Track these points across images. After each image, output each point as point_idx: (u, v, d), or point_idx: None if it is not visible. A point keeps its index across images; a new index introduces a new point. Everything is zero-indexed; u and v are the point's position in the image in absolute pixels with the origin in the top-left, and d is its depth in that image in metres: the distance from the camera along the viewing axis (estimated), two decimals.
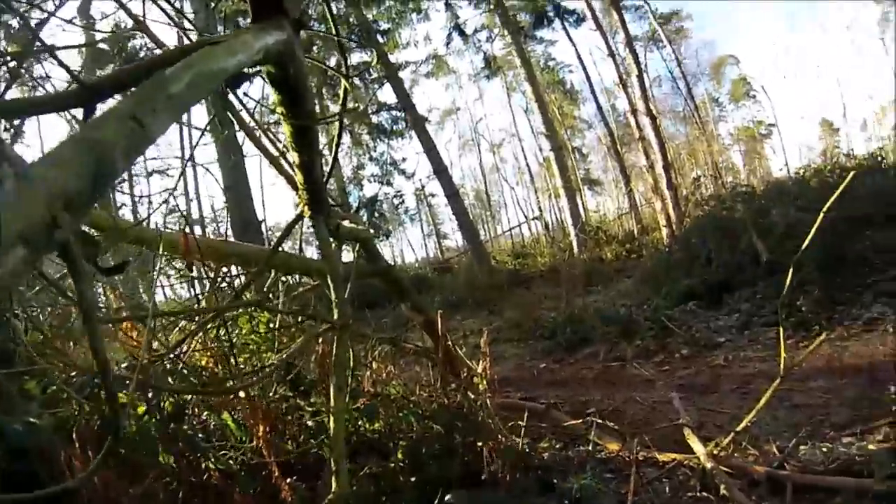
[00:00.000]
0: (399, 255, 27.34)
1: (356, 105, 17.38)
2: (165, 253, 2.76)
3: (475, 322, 9.32)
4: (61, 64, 1.84)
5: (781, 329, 3.38)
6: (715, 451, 2.92)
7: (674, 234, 11.30)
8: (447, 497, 2.57)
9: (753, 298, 6.38)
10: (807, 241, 3.15)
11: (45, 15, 2.51)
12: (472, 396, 3.17)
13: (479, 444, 3.02)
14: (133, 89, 0.95)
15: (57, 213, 0.59)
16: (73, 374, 2.24)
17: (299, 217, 2.48)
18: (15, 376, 2.05)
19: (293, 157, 2.05)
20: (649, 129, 13.62)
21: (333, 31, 2.84)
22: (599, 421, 3.43)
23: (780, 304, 4.54)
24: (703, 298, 7.01)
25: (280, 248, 3.16)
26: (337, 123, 2.66)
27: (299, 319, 3.49)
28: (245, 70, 1.28)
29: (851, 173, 5.39)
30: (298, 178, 2.15)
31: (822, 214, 3.10)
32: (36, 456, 1.85)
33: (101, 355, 0.87)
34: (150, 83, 0.92)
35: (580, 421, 3.63)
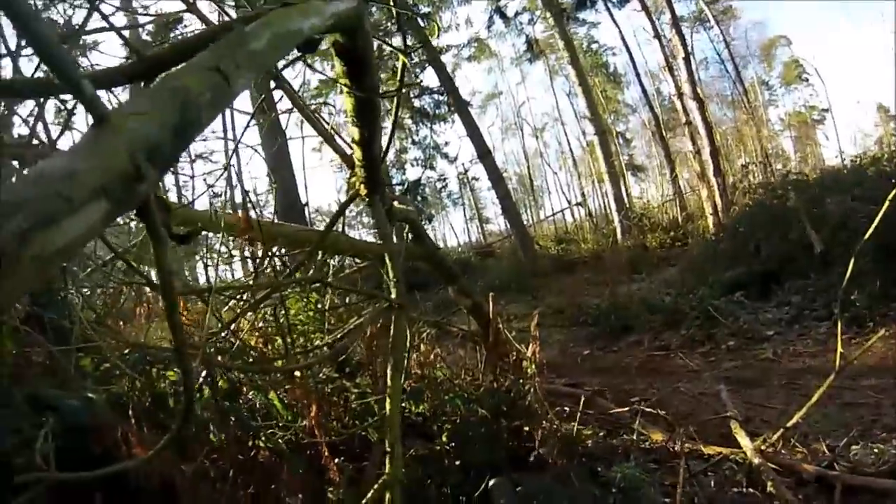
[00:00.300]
0: (442, 239, 27.34)
1: (415, 81, 17.39)
2: (221, 234, 2.86)
3: (518, 307, 9.36)
4: (123, 38, 1.90)
5: (839, 322, 3.27)
6: (762, 447, 2.91)
7: (720, 223, 11.04)
8: (491, 482, 2.58)
9: (805, 291, 6.23)
10: (869, 231, 3.08)
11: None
12: (521, 380, 3.19)
13: (527, 428, 3.07)
14: (216, 42, 0.88)
15: (140, 164, 0.54)
16: (126, 351, 2.27)
17: (355, 195, 2.48)
18: (70, 353, 2.04)
19: (353, 132, 2.03)
20: (696, 113, 13.27)
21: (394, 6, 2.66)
22: (646, 409, 3.45)
23: (839, 297, 4.40)
24: (750, 289, 6.85)
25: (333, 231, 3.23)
26: (395, 101, 2.60)
27: (349, 301, 3.57)
28: (316, 36, 1.25)
29: None
30: (357, 154, 2.14)
31: (888, 202, 3.02)
32: (91, 432, 1.85)
33: (178, 331, 0.83)
34: (231, 38, 0.87)
35: (626, 409, 3.65)
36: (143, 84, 1.09)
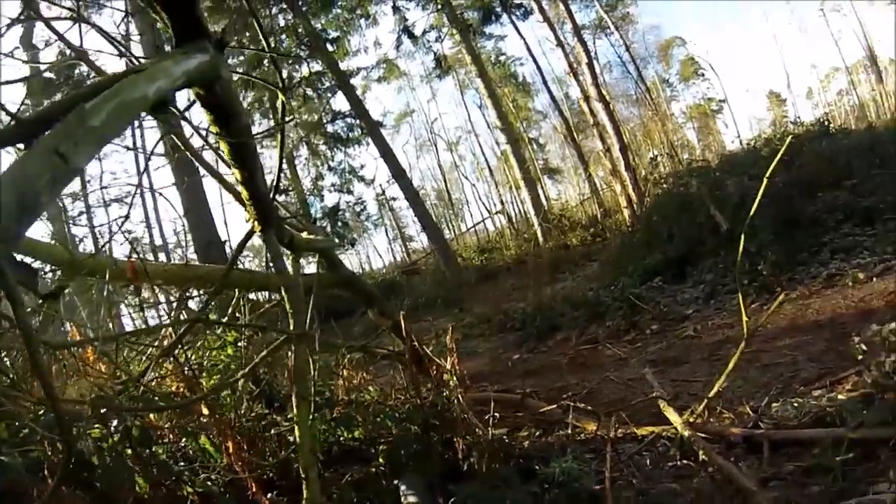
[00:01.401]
0: (366, 262, 27.08)
1: (307, 110, 17.18)
2: (114, 281, 2.67)
3: (446, 321, 9.24)
4: None
5: (741, 294, 3.47)
6: (691, 420, 2.93)
7: (635, 215, 11.44)
8: (397, 480, 2.62)
9: (716, 268, 6.46)
10: (754, 208, 3.23)
11: None
12: (445, 393, 3.13)
13: (456, 439, 2.97)
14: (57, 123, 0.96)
15: None
16: (41, 412, 2.18)
17: (251, 233, 2.44)
18: None
19: (235, 173, 2.05)
20: (603, 114, 13.78)
21: (266, 48, 2.93)
22: (575, 404, 3.40)
23: (737, 271, 4.60)
24: (667, 274, 7.08)
25: (238, 267, 3.09)
26: (279, 137, 2.71)
27: (258, 334, 3.43)
28: (166, 97, 1.27)
29: (789, 138, 5.56)
30: (244, 193, 2.16)
31: (765, 180, 3.18)
32: (6, 495, 1.84)
33: (45, 380, 0.97)
34: (71, 117, 0.94)
35: (556, 406, 3.58)
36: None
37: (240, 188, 2.15)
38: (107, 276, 2.42)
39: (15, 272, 0.91)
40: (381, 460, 2.84)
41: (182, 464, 2.57)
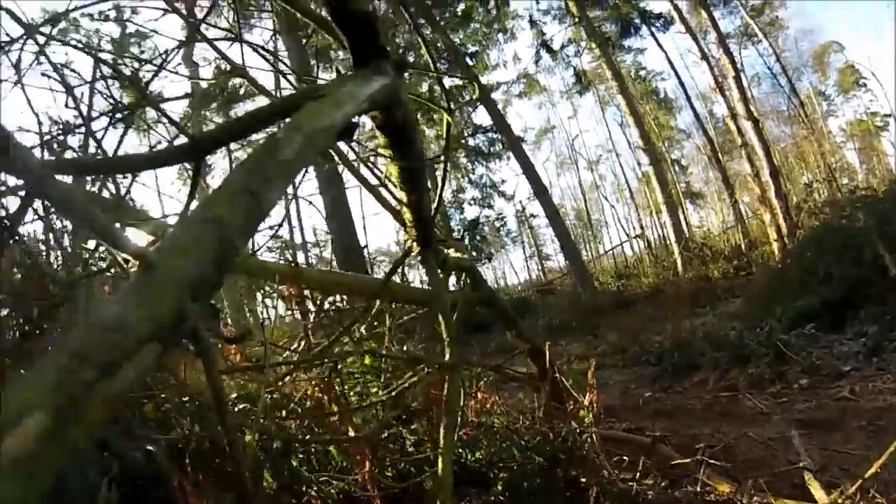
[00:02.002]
0: (501, 278, 27.40)
1: (459, 137, 17.72)
2: (271, 283, 2.97)
3: (578, 346, 9.20)
4: (171, 121, 2.08)
5: None
6: (839, 500, 2.75)
7: (786, 248, 10.55)
8: None
9: (882, 319, 5.80)
10: None
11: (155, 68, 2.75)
12: (578, 429, 3.13)
13: (583, 480, 3.00)
14: (245, 156, 0.92)
15: (185, 307, 0.58)
16: (186, 398, 2.31)
17: (408, 252, 2.52)
18: (134, 401, 2.08)
19: (401, 195, 2.07)
20: (752, 133, 12.91)
21: (432, 67, 2.73)
22: (709, 459, 3.31)
23: None
24: (822, 320, 6.45)
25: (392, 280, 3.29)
26: (443, 164, 2.66)
27: (406, 348, 3.61)
28: (352, 123, 1.23)
29: None
30: (406, 216, 2.19)
31: None
32: (153, 481, 1.89)
33: (225, 419, 0.88)
34: (261, 150, 0.89)
35: (688, 459, 3.50)
36: (193, 164, 1.13)
37: (403, 210, 2.19)
38: (272, 277, 2.65)
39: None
40: (499, 487, 2.78)
41: (308, 463, 2.59)
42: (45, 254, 2.18)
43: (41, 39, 2.11)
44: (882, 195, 9.03)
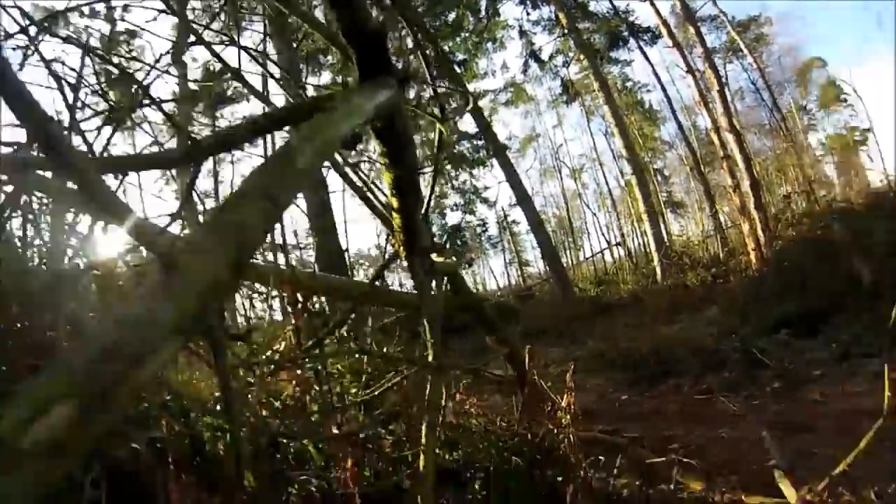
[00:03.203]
0: (481, 283, 27.45)
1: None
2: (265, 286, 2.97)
3: (557, 350, 9.26)
4: (172, 122, 2.08)
5: (886, 361, 3.19)
6: (808, 497, 2.81)
7: (763, 258, 10.74)
8: None
9: (853, 327, 5.98)
10: None
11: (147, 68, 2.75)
12: (555, 430, 3.15)
13: (560, 479, 3.04)
14: (262, 163, 0.95)
15: (207, 304, 0.62)
16: (168, 396, 2.29)
17: (395, 256, 2.54)
18: None
19: (392, 201, 2.08)
20: (733, 145, 13.12)
21: (430, 80, 2.85)
22: (682, 459, 3.37)
23: (889, 332, 4.24)
24: (796, 327, 6.62)
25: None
26: (433, 174, 2.77)
27: (387, 350, 3.61)
28: (358, 133, 1.30)
29: None
30: (396, 221, 2.20)
31: None
32: (137, 478, 1.89)
33: (234, 417, 0.97)
34: (278, 158, 0.93)
35: (662, 458, 3.56)
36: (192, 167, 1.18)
37: (393, 216, 2.19)
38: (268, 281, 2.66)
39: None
40: (476, 487, 2.80)
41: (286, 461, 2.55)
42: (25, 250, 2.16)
43: (32, 30, 2.09)
44: (858, 207, 9.26)
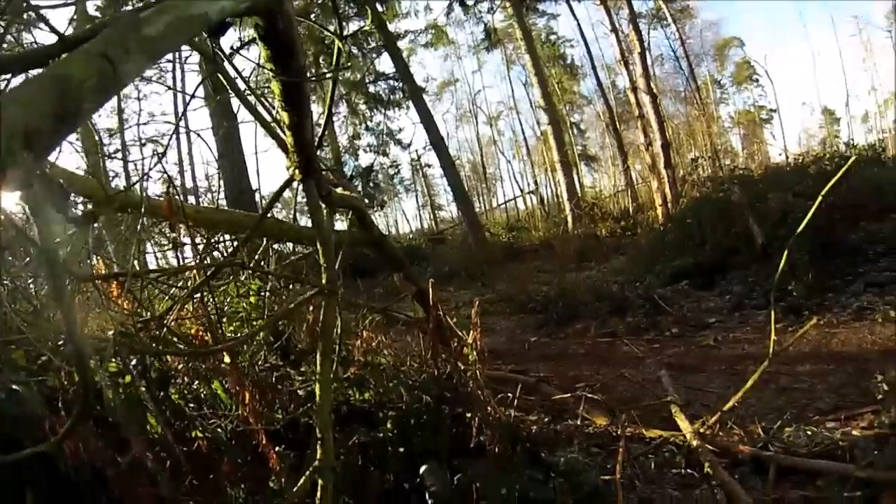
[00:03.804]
0: (393, 226, 27.18)
1: (350, 69, 17.07)
2: (151, 218, 2.70)
3: (467, 293, 9.34)
4: (41, 18, 1.75)
5: (773, 312, 3.41)
6: (701, 430, 2.97)
7: (669, 214, 11.32)
8: (423, 468, 2.56)
9: (746, 281, 6.43)
10: (802, 226, 3.16)
11: None
12: (462, 367, 3.15)
13: (468, 415, 3.04)
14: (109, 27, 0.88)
15: (14, 150, 0.58)
16: (60, 343, 2.15)
17: (290, 181, 2.37)
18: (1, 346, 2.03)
19: (283, 116, 1.97)
20: (649, 107, 13.56)
21: None
22: (588, 395, 3.46)
23: (773, 287, 4.52)
24: (695, 279, 7.06)
25: (271, 215, 3.10)
26: (330, 85, 2.56)
27: (288, 285, 3.46)
28: (228, 20, 1.19)
29: (851, 159, 5.43)
30: (288, 139, 2.07)
31: (820, 199, 3.09)
32: (19, 423, 1.87)
33: (67, 311, 0.90)
34: (122, 23, 0.86)
35: (569, 395, 3.66)
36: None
37: (286, 133, 2.08)
38: (141, 211, 2.45)
39: (48, 190, 0.88)
40: (388, 426, 2.79)
41: (191, 406, 2.56)
42: None
43: None
44: (757, 176, 9.85)
